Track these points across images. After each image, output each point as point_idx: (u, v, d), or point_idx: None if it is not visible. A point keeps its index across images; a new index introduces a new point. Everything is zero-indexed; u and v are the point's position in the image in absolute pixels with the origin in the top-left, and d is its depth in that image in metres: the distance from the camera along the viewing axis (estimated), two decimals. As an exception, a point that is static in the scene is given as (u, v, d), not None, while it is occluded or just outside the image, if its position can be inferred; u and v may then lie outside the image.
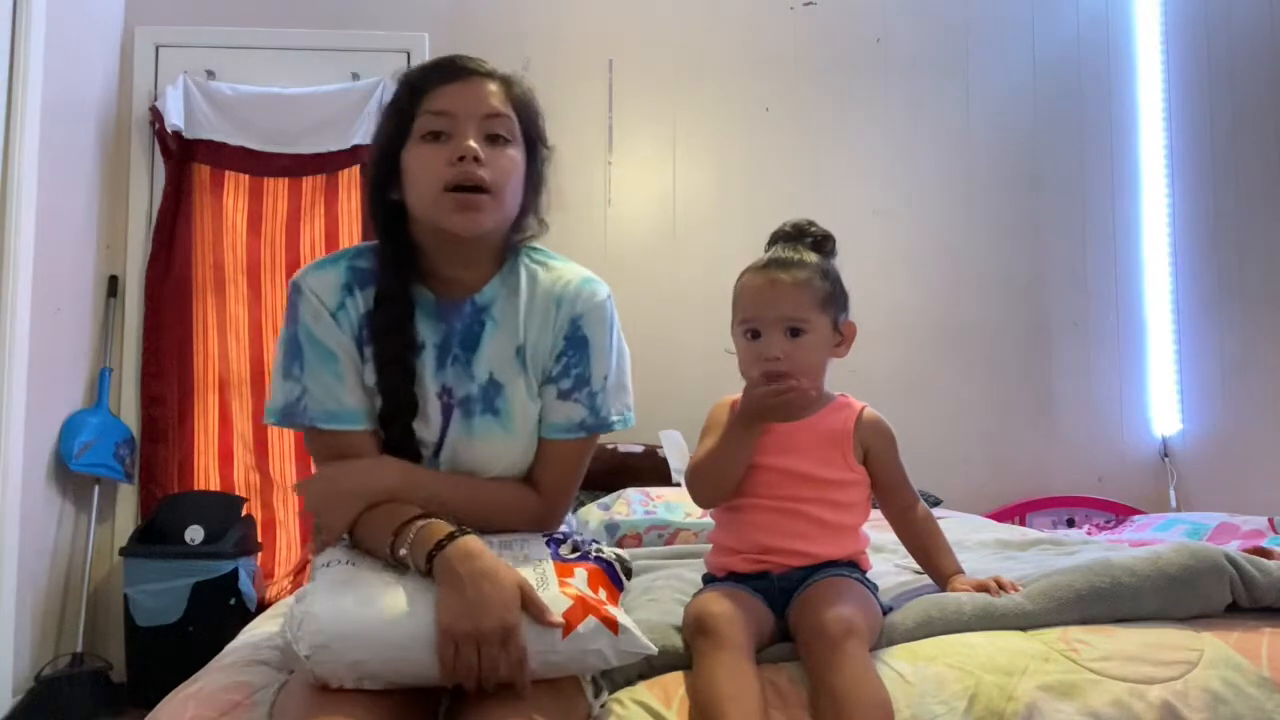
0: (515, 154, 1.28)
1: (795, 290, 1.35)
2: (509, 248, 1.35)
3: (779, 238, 1.44)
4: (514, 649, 1.03)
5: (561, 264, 1.37)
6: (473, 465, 1.29)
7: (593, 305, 1.32)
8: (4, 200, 2.72)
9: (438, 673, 1.04)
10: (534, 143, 1.33)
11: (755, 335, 1.36)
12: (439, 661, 1.02)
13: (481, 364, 1.29)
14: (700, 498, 1.41)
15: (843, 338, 1.40)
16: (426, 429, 1.28)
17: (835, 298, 1.38)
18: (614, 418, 1.33)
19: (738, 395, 1.44)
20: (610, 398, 1.32)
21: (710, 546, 1.46)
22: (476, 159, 1.22)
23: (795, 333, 1.34)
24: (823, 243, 1.42)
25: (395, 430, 1.27)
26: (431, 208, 1.24)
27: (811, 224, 1.44)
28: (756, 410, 1.30)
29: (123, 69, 3.37)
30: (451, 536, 1.09)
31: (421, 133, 1.25)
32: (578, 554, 1.23)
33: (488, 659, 1.02)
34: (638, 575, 1.63)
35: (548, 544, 1.22)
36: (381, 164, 1.29)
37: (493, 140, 1.26)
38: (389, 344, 1.26)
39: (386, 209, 1.31)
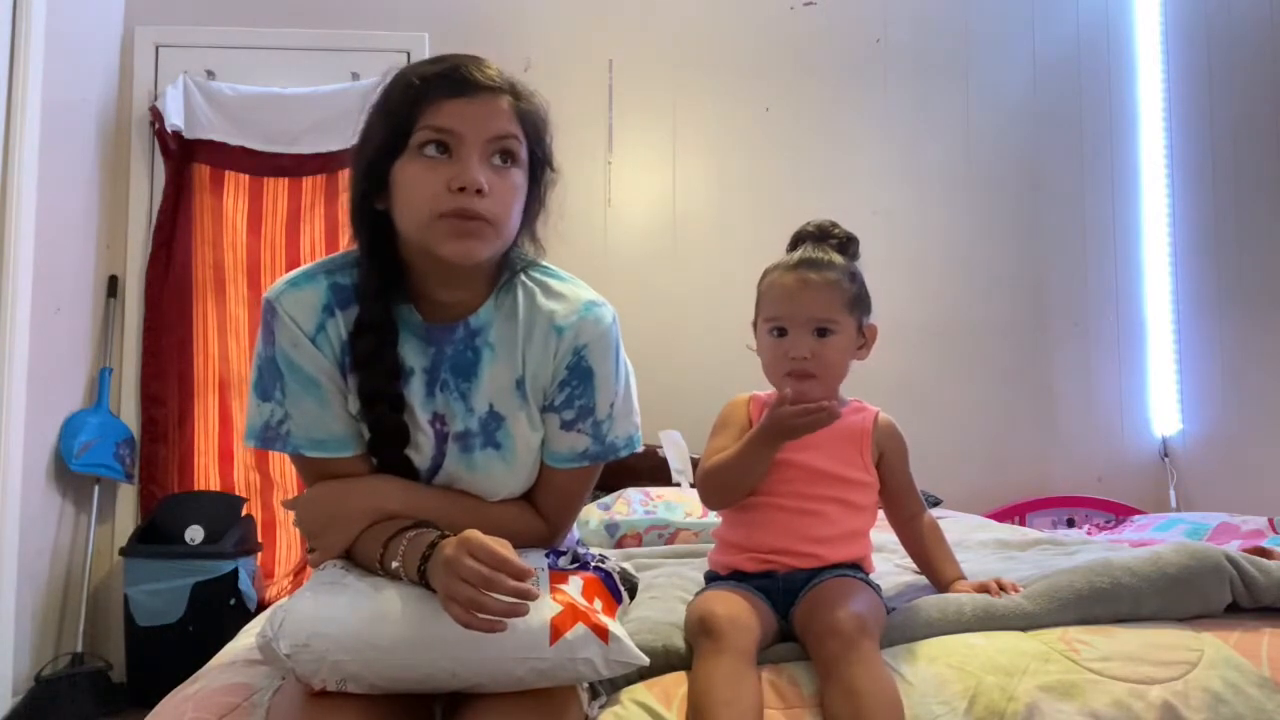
0: (519, 177, 1.17)
1: (825, 290, 1.35)
2: (505, 267, 1.24)
3: (805, 237, 1.44)
4: (477, 550, 0.99)
5: (562, 284, 1.25)
6: (472, 493, 1.24)
7: (597, 334, 1.22)
8: (4, 200, 2.72)
9: (419, 678, 1.03)
10: (539, 163, 1.21)
11: (782, 333, 1.36)
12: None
13: (481, 396, 1.22)
14: (712, 502, 1.41)
15: (865, 340, 1.41)
16: (418, 456, 1.23)
17: (861, 300, 1.39)
18: (621, 445, 1.26)
19: (752, 393, 1.45)
20: (617, 424, 1.25)
21: (714, 543, 1.46)
22: (480, 191, 1.11)
23: (823, 333, 1.35)
24: (846, 245, 1.43)
25: (386, 457, 1.22)
26: (424, 232, 1.13)
27: (835, 225, 1.44)
28: (784, 429, 1.29)
29: (123, 69, 3.37)
30: (434, 545, 1.06)
31: (419, 145, 1.12)
32: (576, 564, 1.21)
33: (468, 572, 0.98)
34: (638, 573, 1.63)
35: (547, 555, 1.20)
36: (369, 174, 1.16)
37: (496, 160, 1.15)
38: (371, 375, 1.18)
39: (371, 219, 1.18)
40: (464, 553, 0.99)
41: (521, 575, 0.98)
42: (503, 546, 1.00)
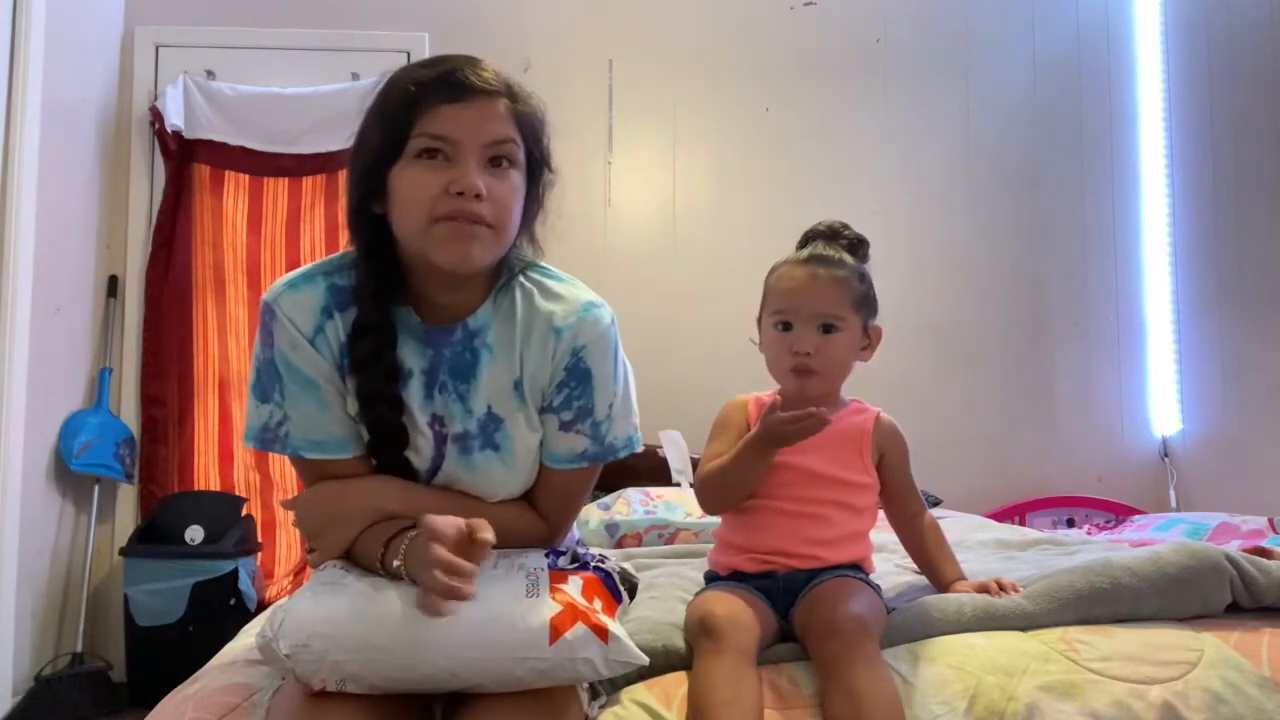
0: (517, 179, 1.17)
1: (833, 286, 1.35)
2: (504, 268, 1.24)
3: (816, 235, 1.44)
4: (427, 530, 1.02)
5: (560, 285, 1.25)
6: (472, 493, 1.24)
7: (595, 335, 1.22)
8: (4, 200, 2.72)
9: (419, 678, 1.03)
10: (537, 165, 1.21)
11: (787, 327, 1.36)
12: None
13: (479, 398, 1.21)
14: (710, 507, 1.41)
15: (870, 341, 1.41)
16: (418, 458, 1.23)
17: (868, 301, 1.40)
18: (620, 445, 1.26)
19: (750, 395, 1.45)
20: (616, 424, 1.25)
21: (714, 543, 1.46)
22: (479, 196, 1.11)
23: (828, 329, 1.35)
24: (857, 246, 1.43)
25: (385, 459, 1.22)
26: (420, 238, 1.13)
27: (846, 226, 1.44)
28: (775, 436, 1.28)
29: (123, 69, 3.37)
30: None
31: (416, 152, 1.13)
32: (576, 564, 1.21)
33: (434, 559, 1.00)
34: (638, 573, 1.62)
35: (547, 555, 1.20)
36: (366, 179, 1.16)
37: (494, 163, 1.15)
38: (370, 378, 1.18)
39: (369, 222, 1.18)
40: (420, 538, 1.03)
41: (446, 539, 1.01)
42: (446, 522, 1.03)
